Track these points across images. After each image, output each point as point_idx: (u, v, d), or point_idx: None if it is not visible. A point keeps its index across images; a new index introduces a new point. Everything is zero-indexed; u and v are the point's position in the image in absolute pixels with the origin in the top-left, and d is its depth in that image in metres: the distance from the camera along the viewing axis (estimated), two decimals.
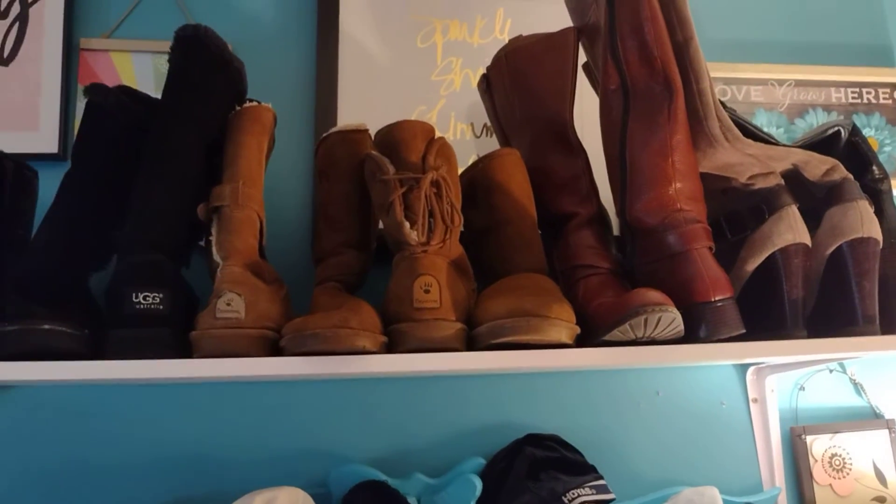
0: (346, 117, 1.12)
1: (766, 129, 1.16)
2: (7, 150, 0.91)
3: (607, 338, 0.79)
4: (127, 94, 0.88)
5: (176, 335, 0.77)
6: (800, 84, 1.26)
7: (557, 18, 1.05)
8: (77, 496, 1.00)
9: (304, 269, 1.05)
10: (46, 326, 0.73)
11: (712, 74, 0.93)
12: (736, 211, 0.88)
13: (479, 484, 0.95)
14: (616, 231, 0.95)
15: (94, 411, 1.02)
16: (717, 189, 0.88)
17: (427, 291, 0.78)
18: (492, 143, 1.14)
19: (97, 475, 1.00)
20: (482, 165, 0.94)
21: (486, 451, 1.04)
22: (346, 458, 1.04)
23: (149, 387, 1.03)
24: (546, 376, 1.10)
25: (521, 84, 0.98)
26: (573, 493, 0.92)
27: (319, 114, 1.12)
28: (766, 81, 1.25)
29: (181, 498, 1.01)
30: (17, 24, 1.10)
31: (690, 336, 0.80)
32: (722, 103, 0.92)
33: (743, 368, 1.15)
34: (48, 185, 0.96)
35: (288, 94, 1.13)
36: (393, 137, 0.85)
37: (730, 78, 1.24)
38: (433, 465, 1.03)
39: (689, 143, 0.85)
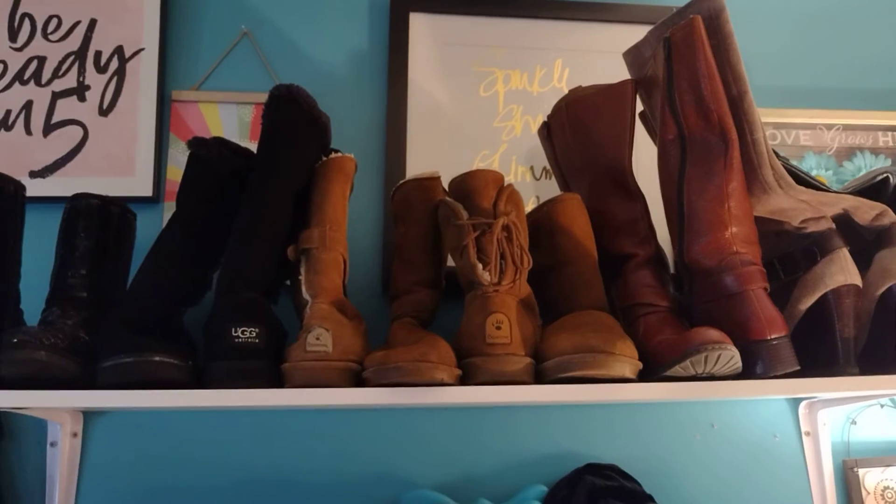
0: (415, 162, 1.20)
1: (815, 172, 1.21)
2: (107, 194, 0.99)
3: (668, 373, 0.84)
4: (225, 146, 0.97)
5: (270, 366, 0.84)
6: (847, 128, 1.31)
7: (612, 68, 1.12)
8: None
9: (376, 304, 1.13)
10: (157, 358, 0.81)
11: (763, 120, 0.98)
12: (789, 253, 0.93)
13: None
14: (671, 269, 1.01)
15: (181, 435, 1.10)
16: (770, 232, 0.93)
17: (498, 328, 0.84)
18: (550, 185, 1.21)
19: (180, 495, 1.08)
20: (546, 209, 1.00)
21: (548, 478, 1.09)
22: (415, 484, 1.10)
23: (229, 415, 1.11)
24: (605, 408, 1.16)
25: (581, 132, 1.05)
26: None
27: (389, 159, 1.20)
28: (815, 126, 1.30)
29: None
30: (115, 78, 1.20)
31: (747, 372, 0.84)
32: (775, 152, 0.98)
33: (795, 402, 1.18)
34: (143, 225, 1.06)
35: (360, 141, 1.21)
36: (466, 185, 0.92)
37: (780, 123, 1.29)
38: (497, 492, 1.09)
39: (744, 190, 0.90)
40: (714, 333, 0.81)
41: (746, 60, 0.96)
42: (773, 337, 0.84)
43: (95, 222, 0.95)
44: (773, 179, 0.96)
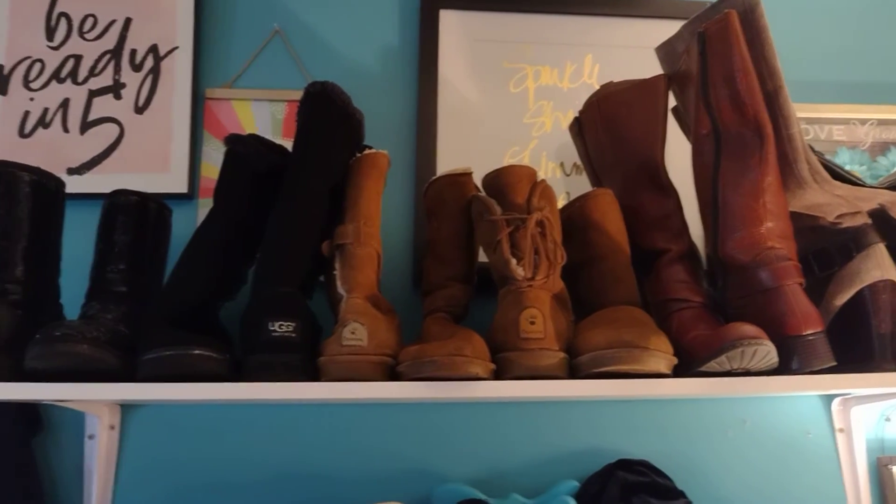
0: (445, 158, 1.20)
1: (848, 167, 1.20)
2: (143, 190, 1.00)
3: (704, 368, 0.84)
4: (261, 143, 0.98)
5: (306, 360, 0.85)
6: (882, 123, 1.29)
7: (643, 63, 1.12)
8: None
9: (407, 299, 1.13)
10: (197, 351, 0.82)
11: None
12: (824, 248, 0.93)
13: None
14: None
15: (216, 429, 1.11)
16: (805, 227, 0.92)
17: (532, 323, 0.85)
18: (581, 181, 1.21)
19: (214, 488, 1.09)
20: (579, 204, 1.00)
21: (579, 474, 1.09)
22: (448, 478, 1.10)
23: (264, 409, 1.12)
24: (636, 404, 1.15)
25: (613, 128, 1.05)
26: None
27: (420, 155, 1.20)
28: (849, 121, 1.29)
29: None
30: (150, 77, 1.22)
31: (783, 368, 0.84)
32: (810, 147, 0.97)
33: (828, 399, 1.17)
34: (178, 221, 1.07)
35: (391, 137, 1.22)
36: (500, 181, 0.93)
37: (812, 118, 1.28)
38: (529, 487, 1.09)
39: (779, 185, 0.90)
40: (750, 329, 0.81)
41: (779, 55, 0.96)
42: (808, 332, 0.84)
43: (133, 218, 0.97)
44: (808, 174, 0.95)
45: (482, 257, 0.97)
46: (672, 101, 1.06)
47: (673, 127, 1.05)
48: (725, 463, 1.15)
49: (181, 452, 1.10)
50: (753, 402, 1.17)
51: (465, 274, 0.99)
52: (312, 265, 0.93)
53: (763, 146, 0.89)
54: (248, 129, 1.19)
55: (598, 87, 1.10)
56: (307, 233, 0.91)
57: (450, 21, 1.26)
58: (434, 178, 1.02)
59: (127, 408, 1.10)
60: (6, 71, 1.21)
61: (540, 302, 0.86)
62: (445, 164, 1.19)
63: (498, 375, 0.85)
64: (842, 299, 0.90)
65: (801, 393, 1.15)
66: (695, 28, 0.95)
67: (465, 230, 0.98)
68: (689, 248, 0.98)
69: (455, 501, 1.03)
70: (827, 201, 0.92)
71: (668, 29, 1.05)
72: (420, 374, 0.82)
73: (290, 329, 0.84)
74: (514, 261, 0.87)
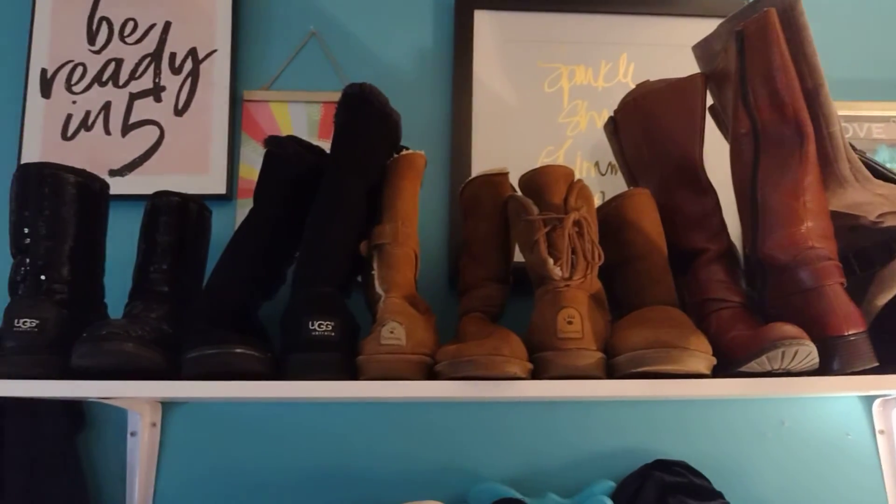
0: (480, 158, 1.21)
1: (888, 165, 1.18)
2: (182, 191, 1.02)
3: (744, 369, 0.83)
4: (299, 144, 0.99)
5: (345, 359, 0.86)
6: None
7: (678, 61, 1.12)
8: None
9: (442, 299, 1.14)
10: (239, 350, 0.83)
11: None
12: (864, 248, 0.92)
13: None
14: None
15: (255, 427, 1.13)
16: (845, 226, 0.91)
17: (570, 323, 0.85)
18: (616, 181, 1.21)
19: (251, 483, 1.11)
20: (615, 204, 1.00)
21: (616, 474, 1.09)
22: (484, 477, 1.11)
23: (302, 407, 1.13)
24: (673, 404, 1.15)
25: (650, 127, 1.04)
26: None
27: (455, 155, 1.21)
28: (888, 119, 1.27)
29: None
30: (189, 79, 1.24)
31: (823, 368, 0.83)
32: (852, 146, 0.96)
33: (869, 400, 1.16)
34: (217, 222, 1.09)
35: (426, 138, 1.23)
36: (537, 181, 0.93)
37: (851, 116, 1.26)
38: (565, 486, 1.09)
39: (819, 184, 0.89)
40: (791, 329, 0.80)
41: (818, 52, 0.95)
42: (850, 332, 0.83)
43: (175, 219, 0.99)
44: (849, 173, 0.94)
45: (518, 257, 0.97)
46: (709, 100, 1.05)
47: (710, 126, 1.05)
48: (763, 464, 1.14)
49: (221, 449, 1.12)
50: (792, 402, 1.16)
51: (501, 274, 0.99)
52: (351, 265, 0.94)
53: (803, 145, 0.88)
54: (285, 131, 1.21)
55: (633, 87, 1.10)
56: (345, 233, 0.92)
57: (484, 21, 1.26)
58: (470, 178, 1.02)
59: (168, 405, 1.13)
60: (49, 74, 1.24)
61: (577, 302, 0.86)
62: (480, 164, 1.20)
63: (535, 375, 0.85)
64: (883, 299, 0.89)
65: (842, 394, 1.14)
66: (732, 26, 0.95)
67: (501, 230, 0.99)
68: (727, 248, 0.97)
69: (491, 500, 1.04)
70: (868, 200, 0.91)
71: (704, 27, 1.05)
72: (458, 373, 0.82)
73: (330, 328, 0.85)
74: (551, 261, 0.87)
